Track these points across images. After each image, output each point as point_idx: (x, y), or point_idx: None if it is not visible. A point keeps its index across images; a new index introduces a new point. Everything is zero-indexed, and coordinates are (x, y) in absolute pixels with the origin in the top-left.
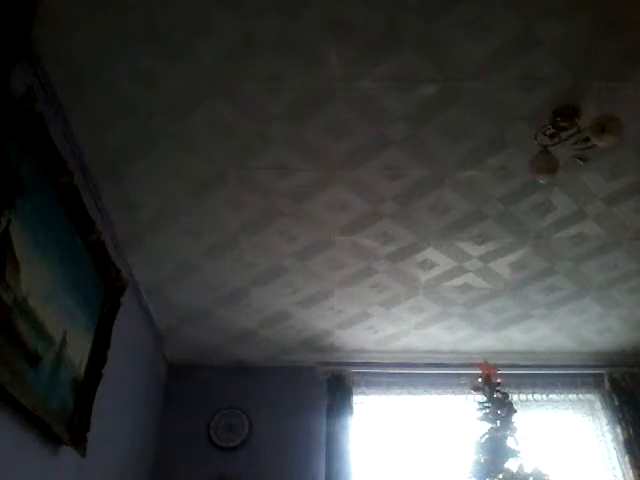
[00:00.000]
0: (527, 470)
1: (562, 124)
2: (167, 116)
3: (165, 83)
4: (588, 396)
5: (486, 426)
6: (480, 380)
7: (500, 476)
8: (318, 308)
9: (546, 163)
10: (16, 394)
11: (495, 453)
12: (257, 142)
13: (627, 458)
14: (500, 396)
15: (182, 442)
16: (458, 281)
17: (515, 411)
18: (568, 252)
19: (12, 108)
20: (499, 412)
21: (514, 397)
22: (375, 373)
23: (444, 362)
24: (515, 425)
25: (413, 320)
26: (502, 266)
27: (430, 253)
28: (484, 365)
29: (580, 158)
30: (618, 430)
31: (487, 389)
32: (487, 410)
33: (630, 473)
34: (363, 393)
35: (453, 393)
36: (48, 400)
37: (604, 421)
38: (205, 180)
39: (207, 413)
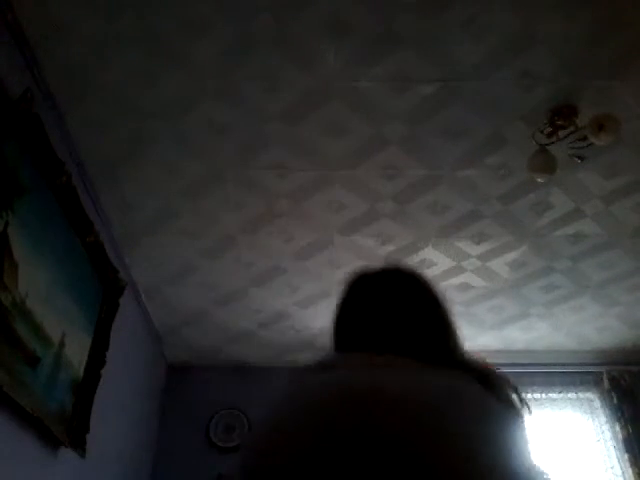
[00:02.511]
0: None
1: (560, 123)
2: (165, 117)
3: (162, 83)
4: (587, 394)
5: None
6: None
7: None
8: (317, 308)
9: (544, 162)
10: (15, 396)
11: None
12: (255, 142)
13: (626, 456)
14: None
15: (181, 443)
16: (457, 280)
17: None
18: (566, 251)
19: (9, 109)
20: None
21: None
22: None
23: None
24: None
25: None
26: (501, 265)
27: (429, 252)
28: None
29: (578, 157)
30: (617, 428)
31: None
32: None
33: (629, 471)
34: None
35: None
36: (47, 402)
37: (603, 419)
38: (203, 180)
39: (206, 414)
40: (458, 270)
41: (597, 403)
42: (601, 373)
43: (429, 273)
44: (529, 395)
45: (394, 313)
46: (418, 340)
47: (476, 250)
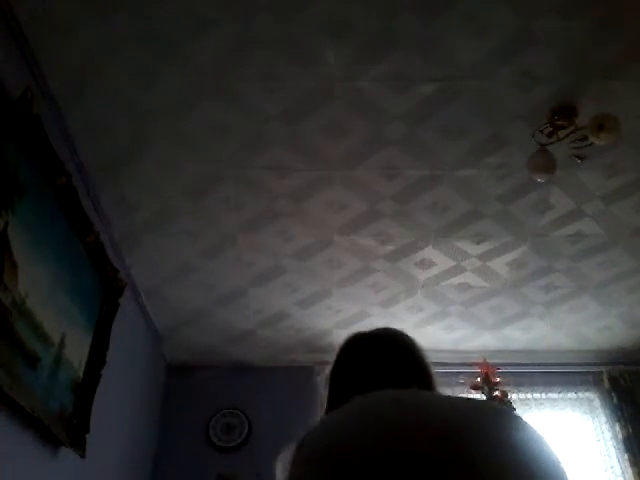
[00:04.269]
0: None
1: (560, 122)
2: (165, 117)
3: (163, 83)
4: (587, 394)
5: None
6: (479, 379)
7: None
8: (317, 308)
9: (544, 162)
10: (15, 396)
11: None
12: (255, 142)
13: (626, 456)
14: (499, 395)
15: (181, 442)
16: (457, 280)
17: (514, 410)
18: (567, 250)
19: (9, 109)
20: None
21: (513, 396)
22: None
23: (443, 361)
24: None
25: (412, 319)
26: (501, 265)
27: (429, 252)
28: (483, 364)
29: (578, 156)
30: (617, 428)
31: (486, 388)
32: None
33: (629, 471)
34: None
35: (452, 392)
36: (47, 402)
37: (603, 419)
38: (203, 180)
39: (206, 413)
40: (458, 270)
41: (597, 403)
42: (601, 373)
43: (429, 273)
44: (529, 395)
45: (387, 367)
46: (405, 384)
47: (476, 250)
